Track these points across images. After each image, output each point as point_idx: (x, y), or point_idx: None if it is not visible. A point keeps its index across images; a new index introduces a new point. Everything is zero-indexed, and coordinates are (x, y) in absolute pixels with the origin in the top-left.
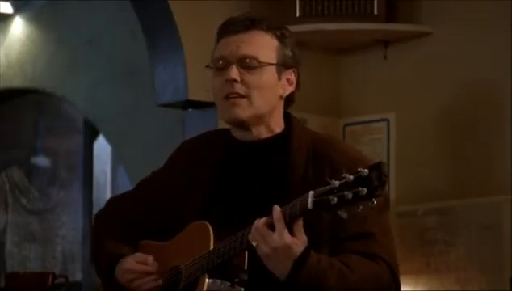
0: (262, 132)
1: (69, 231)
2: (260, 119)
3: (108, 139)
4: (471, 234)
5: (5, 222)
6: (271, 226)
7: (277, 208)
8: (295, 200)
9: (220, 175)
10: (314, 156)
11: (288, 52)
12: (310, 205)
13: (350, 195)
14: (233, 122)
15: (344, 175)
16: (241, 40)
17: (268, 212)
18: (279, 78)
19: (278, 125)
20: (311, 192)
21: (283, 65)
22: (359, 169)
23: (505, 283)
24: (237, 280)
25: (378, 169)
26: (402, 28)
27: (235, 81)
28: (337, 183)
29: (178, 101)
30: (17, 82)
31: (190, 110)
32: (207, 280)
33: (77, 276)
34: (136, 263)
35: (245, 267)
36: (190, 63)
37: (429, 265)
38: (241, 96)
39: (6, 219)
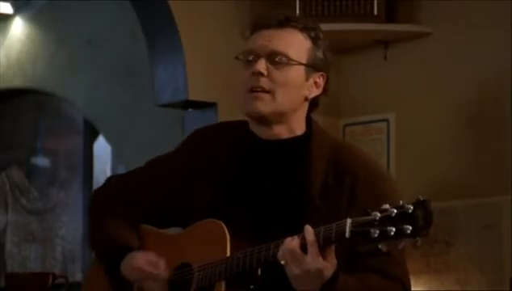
0: (282, 132)
1: (69, 231)
2: (281, 116)
3: (108, 139)
4: (471, 234)
5: (5, 222)
6: (304, 247)
7: (309, 230)
8: (330, 225)
9: (234, 169)
10: (335, 163)
11: (320, 55)
12: (348, 234)
13: (393, 231)
14: (254, 116)
15: (385, 208)
16: (274, 35)
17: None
18: (307, 79)
19: (299, 127)
20: (349, 220)
21: (312, 67)
22: (402, 203)
23: (505, 283)
24: (252, 286)
25: (424, 207)
26: (402, 28)
27: (261, 74)
28: (378, 214)
29: (177, 101)
30: (17, 82)
31: (190, 110)
32: (224, 287)
33: (77, 277)
34: (148, 264)
35: (259, 273)
36: (190, 63)
37: (429, 265)
38: (265, 91)
39: (5, 219)
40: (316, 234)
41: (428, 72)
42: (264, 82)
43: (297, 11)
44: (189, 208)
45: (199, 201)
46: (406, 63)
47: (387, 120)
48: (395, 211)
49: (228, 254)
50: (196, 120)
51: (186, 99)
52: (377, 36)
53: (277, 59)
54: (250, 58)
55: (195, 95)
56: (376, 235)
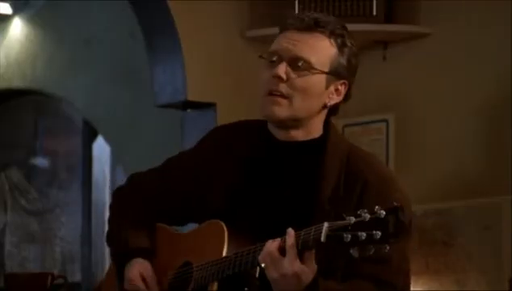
0: (298, 135)
1: (69, 232)
2: (297, 122)
3: (107, 140)
4: (470, 234)
5: (4, 223)
6: (283, 251)
7: (291, 233)
8: (310, 228)
9: (248, 169)
10: (347, 170)
11: (344, 62)
12: (323, 238)
13: (363, 236)
14: (270, 119)
15: (360, 213)
16: (299, 39)
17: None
18: (327, 87)
19: (316, 131)
20: (326, 224)
21: (334, 75)
22: (376, 208)
23: (504, 283)
24: (246, 289)
25: (395, 213)
26: (401, 29)
27: (281, 79)
28: (352, 219)
29: (176, 102)
30: (16, 83)
31: (189, 110)
32: (215, 289)
33: (77, 277)
34: (139, 279)
35: (257, 275)
36: (189, 64)
37: (428, 266)
38: (284, 96)
39: (5, 220)
40: (297, 238)
41: (427, 72)
42: (283, 87)
43: (296, 12)
44: (205, 207)
45: (214, 200)
46: (405, 63)
47: (386, 121)
48: (368, 216)
49: (224, 254)
50: (195, 121)
51: (185, 100)
52: (376, 37)
53: (299, 64)
54: (274, 59)
55: (193, 96)
56: (348, 240)
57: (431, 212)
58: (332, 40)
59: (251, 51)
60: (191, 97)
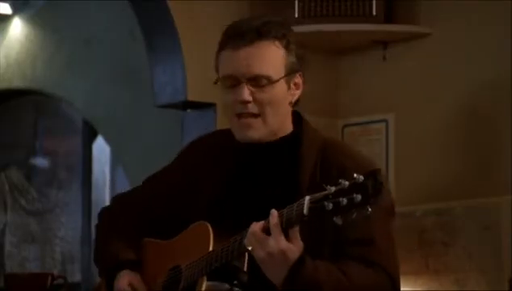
0: (272, 137)
1: (68, 232)
2: (272, 134)
3: (107, 140)
4: (470, 234)
5: (4, 223)
6: (268, 231)
7: (274, 213)
8: (292, 205)
9: (229, 176)
10: (323, 159)
11: (293, 59)
12: (306, 211)
13: (344, 201)
14: (247, 142)
15: (340, 181)
16: (250, 57)
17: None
18: (288, 88)
19: (287, 128)
20: (307, 198)
21: (291, 73)
22: (355, 175)
23: (504, 283)
24: (235, 282)
25: (373, 176)
26: (401, 29)
27: (248, 102)
28: (332, 188)
29: (176, 102)
30: (16, 83)
31: (188, 111)
32: (205, 282)
33: (76, 277)
34: (128, 287)
35: (245, 269)
36: (189, 64)
37: (428, 266)
38: (255, 115)
39: (5, 220)
40: (280, 216)
41: (427, 72)
42: (251, 108)
43: (296, 12)
44: (189, 217)
45: (197, 210)
46: (405, 63)
47: (386, 121)
48: (347, 183)
49: (211, 249)
50: (195, 121)
51: (185, 100)
52: (376, 37)
53: (259, 82)
54: (231, 83)
55: (193, 96)
56: (330, 208)
57: (431, 212)
58: (277, 44)
59: None
60: (191, 97)
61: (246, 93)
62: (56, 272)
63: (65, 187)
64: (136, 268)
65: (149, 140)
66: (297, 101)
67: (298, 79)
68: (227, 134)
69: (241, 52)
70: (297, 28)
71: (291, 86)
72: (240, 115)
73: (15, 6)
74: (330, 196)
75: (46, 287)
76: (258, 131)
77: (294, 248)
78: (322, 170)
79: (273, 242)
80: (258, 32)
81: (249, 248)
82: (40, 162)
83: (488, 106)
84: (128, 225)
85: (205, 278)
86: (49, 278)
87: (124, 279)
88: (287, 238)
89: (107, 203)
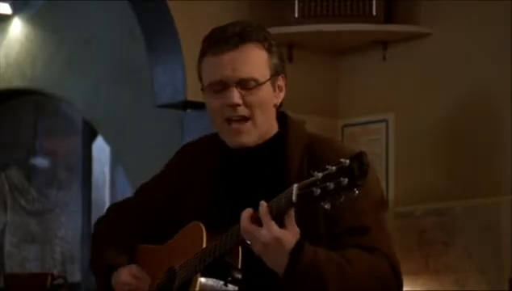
0: (258, 139)
1: (68, 232)
2: (261, 137)
3: (107, 140)
4: (470, 234)
5: (4, 223)
6: (259, 222)
7: (263, 204)
8: (281, 194)
9: (219, 178)
10: (310, 157)
11: (276, 61)
12: (294, 198)
13: (332, 185)
14: (239, 148)
15: (327, 167)
16: (235, 61)
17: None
18: (274, 89)
19: (272, 129)
20: (295, 185)
21: (275, 76)
22: (341, 159)
23: (504, 283)
24: (230, 278)
25: (359, 159)
26: (401, 29)
27: (238, 105)
28: (320, 174)
29: (176, 102)
30: (16, 83)
31: (188, 111)
32: (199, 279)
33: (76, 277)
34: (131, 277)
35: (239, 266)
36: (189, 64)
37: (428, 266)
38: (245, 118)
39: (5, 220)
40: (269, 206)
41: (427, 72)
42: (242, 111)
43: (296, 12)
44: (182, 222)
45: (190, 214)
46: (405, 63)
47: (386, 121)
48: (334, 168)
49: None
50: (195, 121)
51: (185, 100)
52: (376, 37)
53: (247, 84)
54: (219, 89)
55: (193, 96)
56: (318, 193)
57: (431, 212)
58: (260, 46)
59: None
60: (191, 97)
61: (236, 96)
62: (56, 272)
63: (65, 187)
64: None
65: (149, 140)
66: (281, 104)
67: (281, 82)
68: (215, 138)
69: (225, 57)
70: (297, 28)
71: (276, 88)
72: (230, 121)
73: (15, 6)
74: (318, 182)
75: (46, 287)
76: (249, 135)
77: (289, 234)
78: (309, 165)
79: (265, 231)
80: (240, 36)
81: (248, 242)
82: (40, 162)
83: (488, 106)
84: (122, 233)
85: (199, 275)
86: (49, 278)
87: (124, 272)
88: (283, 225)
89: (107, 203)
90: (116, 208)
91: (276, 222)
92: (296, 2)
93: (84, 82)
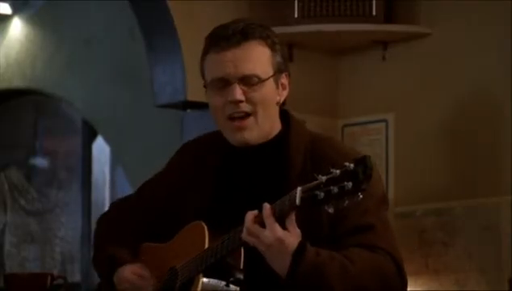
0: (260, 139)
1: (68, 232)
2: (264, 134)
3: (107, 140)
4: (470, 234)
5: (4, 223)
6: (262, 224)
7: (266, 205)
8: (285, 196)
9: (221, 177)
10: (312, 155)
11: (280, 59)
12: (298, 201)
13: (335, 189)
14: (241, 145)
15: (331, 170)
16: (237, 58)
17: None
18: (277, 87)
19: (275, 128)
20: (299, 188)
21: (278, 73)
22: (346, 163)
23: (504, 283)
24: (232, 279)
25: (363, 163)
26: (401, 29)
27: (240, 101)
28: (324, 178)
29: (176, 102)
30: (16, 83)
31: (188, 111)
32: (201, 279)
33: (76, 277)
34: (133, 274)
35: (241, 267)
36: (189, 64)
37: (428, 266)
38: (247, 114)
39: (4, 220)
40: (273, 208)
41: (427, 72)
42: (244, 107)
43: (296, 12)
44: (183, 220)
45: (191, 212)
46: (405, 63)
47: (385, 121)
48: (338, 171)
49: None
50: (195, 121)
51: (185, 100)
52: (376, 37)
53: (250, 81)
54: (221, 86)
55: (193, 96)
56: (322, 197)
57: (431, 212)
58: (263, 44)
59: None
60: (191, 97)
61: (239, 92)
62: (56, 272)
63: (65, 187)
64: None
65: (149, 140)
66: (284, 102)
67: (284, 80)
68: (217, 136)
69: (228, 54)
70: (297, 28)
71: (279, 86)
72: (232, 118)
73: (15, 6)
74: (322, 186)
75: (46, 287)
76: (251, 131)
77: (291, 235)
78: (312, 164)
79: (268, 232)
80: (242, 34)
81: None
82: (40, 162)
83: (488, 106)
84: (125, 230)
85: (201, 275)
86: (49, 278)
87: (127, 269)
88: (284, 227)
89: (107, 203)
90: (118, 206)
91: (279, 224)
92: (296, 2)
93: (84, 82)
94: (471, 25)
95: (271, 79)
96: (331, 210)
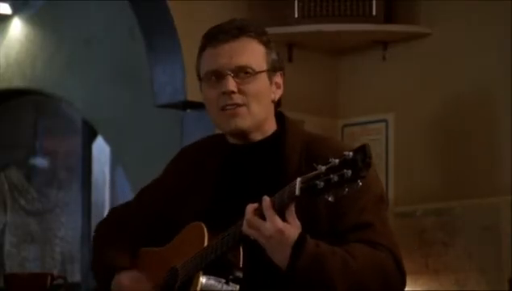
0: (257, 136)
1: (68, 232)
2: (257, 126)
3: (107, 140)
4: (470, 234)
5: (4, 223)
6: (262, 216)
7: (266, 198)
8: (284, 188)
9: (219, 179)
10: (308, 154)
11: (275, 56)
12: (297, 192)
13: (335, 178)
14: (234, 132)
15: (330, 160)
16: (232, 50)
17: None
18: (271, 84)
19: (271, 128)
20: (298, 179)
21: (272, 70)
22: (345, 152)
23: (504, 283)
24: (231, 277)
25: (362, 151)
26: (401, 29)
27: (233, 92)
28: (323, 167)
29: (176, 102)
30: (16, 83)
31: (188, 111)
32: (201, 278)
33: (76, 277)
34: (131, 280)
35: (241, 265)
36: (189, 64)
37: (428, 266)
38: (240, 105)
39: (4, 220)
40: (272, 200)
41: (427, 72)
42: (237, 98)
43: (296, 12)
44: (183, 223)
45: (190, 214)
46: (405, 63)
47: (385, 121)
48: (337, 161)
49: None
50: (195, 121)
51: (185, 100)
52: (376, 37)
53: (243, 72)
54: (215, 78)
55: (193, 96)
56: (322, 186)
57: (431, 212)
58: (258, 40)
59: None
60: (191, 97)
61: (232, 83)
62: (56, 272)
63: (65, 187)
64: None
65: (149, 140)
66: (279, 101)
67: (279, 79)
68: (216, 138)
69: (225, 46)
70: (297, 28)
71: (273, 83)
72: (224, 108)
73: (15, 6)
74: (321, 175)
75: (46, 287)
76: (243, 119)
77: (291, 227)
78: (307, 162)
79: (268, 224)
80: (240, 29)
81: (252, 237)
82: (40, 162)
83: (488, 106)
84: (123, 236)
85: (201, 273)
86: (49, 278)
87: (124, 276)
88: (284, 220)
89: (107, 203)
90: (117, 212)
91: (279, 217)
92: (296, 2)
93: (84, 82)
94: (471, 25)
95: (265, 74)
96: (331, 199)
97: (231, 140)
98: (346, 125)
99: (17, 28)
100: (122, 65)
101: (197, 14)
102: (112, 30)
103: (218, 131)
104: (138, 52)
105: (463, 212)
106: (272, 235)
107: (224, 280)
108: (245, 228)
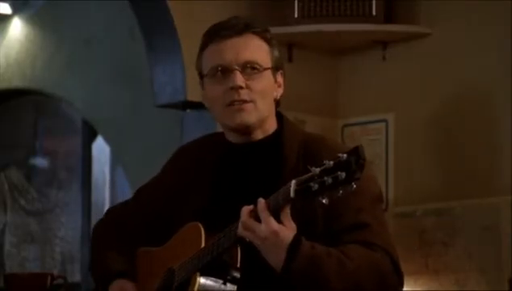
0: (258, 135)
1: (68, 232)
2: (261, 123)
3: (107, 140)
4: (470, 234)
5: (4, 223)
6: (258, 218)
7: (261, 200)
8: (279, 190)
9: (218, 177)
10: (305, 154)
11: (277, 54)
12: (292, 194)
13: (329, 180)
14: (240, 127)
15: (324, 162)
16: (238, 45)
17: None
18: (275, 82)
19: (272, 127)
20: (293, 181)
21: (275, 68)
22: (339, 154)
23: (504, 283)
24: (229, 277)
25: (356, 153)
26: (401, 29)
27: (241, 88)
28: (317, 169)
29: (176, 102)
30: (16, 83)
31: (188, 111)
32: (198, 278)
33: (76, 277)
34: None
35: (238, 265)
36: (189, 64)
37: (427, 266)
38: (247, 102)
39: (4, 220)
40: (267, 202)
41: (427, 72)
42: (244, 94)
43: (296, 12)
44: (182, 222)
45: (189, 213)
46: (405, 63)
47: (385, 121)
48: (331, 163)
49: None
50: (195, 121)
51: (185, 100)
52: (376, 37)
53: (250, 68)
54: (221, 74)
55: (193, 96)
56: (316, 188)
57: (431, 212)
58: (261, 37)
59: None
60: (191, 97)
61: (240, 78)
62: (56, 272)
63: (65, 187)
64: (129, 278)
65: (149, 140)
66: (279, 103)
67: (280, 78)
68: (215, 137)
69: (229, 42)
70: (297, 28)
71: (276, 81)
72: (231, 103)
73: (15, 6)
74: (316, 177)
75: (46, 287)
76: (250, 115)
77: (285, 229)
78: (304, 162)
79: (263, 226)
80: (242, 25)
81: (247, 239)
82: (40, 162)
83: (488, 106)
84: (121, 236)
85: (198, 275)
86: (49, 278)
87: (116, 287)
88: (280, 221)
89: (107, 203)
90: (114, 212)
91: (274, 219)
92: (296, 2)
93: (84, 82)
94: (471, 25)
95: (270, 71)
96: (326, 201)
97: (231, 138)
98: (346, 125)
99: (17, 28)
100: (122, 65)
101: (197, 14)
102: (112, 30)
103: (218, 130)
104: (138, 52)
105: (463, 213)
106: (267, 237)
107: (221, 281)
108: (240, 230)
